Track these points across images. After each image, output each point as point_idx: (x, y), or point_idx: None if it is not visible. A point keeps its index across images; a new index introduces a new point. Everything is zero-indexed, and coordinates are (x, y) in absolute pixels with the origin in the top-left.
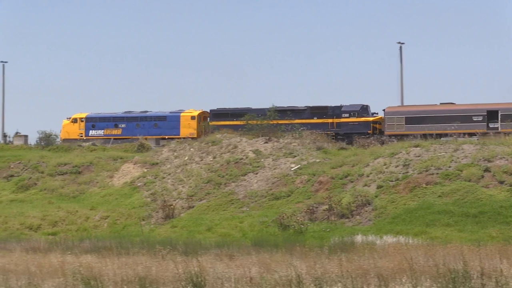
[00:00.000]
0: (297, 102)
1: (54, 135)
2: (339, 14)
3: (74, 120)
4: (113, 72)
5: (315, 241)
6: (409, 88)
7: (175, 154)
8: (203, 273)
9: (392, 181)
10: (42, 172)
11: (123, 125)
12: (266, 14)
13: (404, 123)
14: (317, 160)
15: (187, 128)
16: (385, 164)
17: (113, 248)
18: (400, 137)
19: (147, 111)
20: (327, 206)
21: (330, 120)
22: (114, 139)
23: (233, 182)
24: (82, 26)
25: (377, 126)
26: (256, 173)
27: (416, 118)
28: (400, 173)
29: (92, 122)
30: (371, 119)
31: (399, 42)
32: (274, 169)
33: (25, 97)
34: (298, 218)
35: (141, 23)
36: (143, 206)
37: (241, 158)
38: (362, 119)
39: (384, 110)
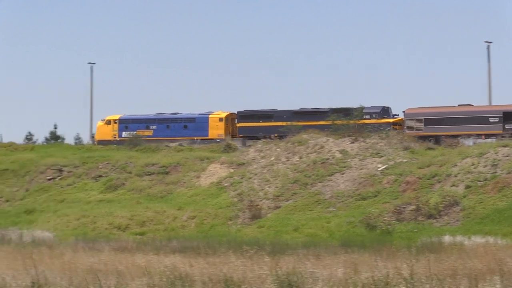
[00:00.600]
0: (318, 104)
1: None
2: (358, 13)
3: (108, 122)
4: (146, 74)
5: (403, 241)
6: (430, 89)
7: (262, 154)
8: (297, 273)
9: (480, 181)
10: (130, 172)
11: (154, 127)
12: (285, 15)
13: (423, 124)
14: (404, 160)
15: (215, 130)
16: (473, 164)
17: (200, 248)
18: (419, 138)
19: (177, 113)
20: (414, 207)
21: (351, 122)
22: (146, 140)
23: (319, 182)
24: (108, 28)
25: (397, 127)
26: (343, 173)
27: (434, 120)
28: (488, 173)
29: (125, 123)
30: (391, 120)
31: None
32: (361, 169)
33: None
34: (385, 218)
35: (168, 27)
36: (230, 206)
37: (328, 158)
38: (383, 120)
39: (404, 111)
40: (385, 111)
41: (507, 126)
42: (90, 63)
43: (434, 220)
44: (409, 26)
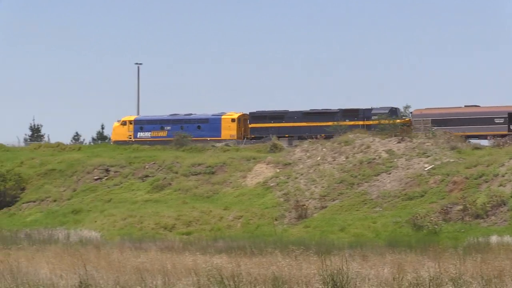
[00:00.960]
0: (327, 105)
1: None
2: (368, 15)
3: (124, 123)
4: (160, 75)
5: (449, 241)
6: (440, 90)
7: (308, 154)
8: (343, 273)
9: None
10: (176, 173)
11: (168, 128)
12: (297, 15)
13: (430, 125)
14: (451, 160)
15: (228, 130)
16: None
17: (246, 248)
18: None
19: (191, 114)
20: (461, 207)
21: (360, 122)
22: (160, 141)
23: (366, 182)
24: (124, 28)
25: (404, 128)
26: (389, 173)
27: (441, 121)
28: None
29: (140, 124)
30: (398, 121)
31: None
32: (407, 169)
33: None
34: (431, 218)
35: (190, 26)
36: (276, 206)
37: (374, 158)
38: (390, 121)
39: (411, 112)
40: (393, 112)
41: None
42: (137, 63)
43: (481, 220)
44: (417, 26)
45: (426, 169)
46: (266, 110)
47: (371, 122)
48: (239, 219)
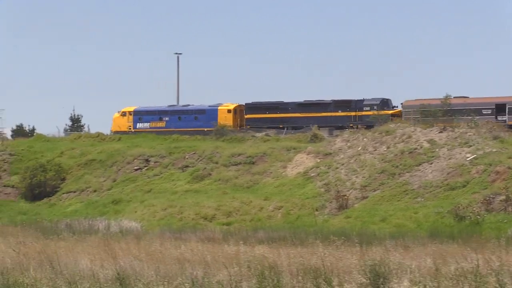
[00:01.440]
0: (322, 96)
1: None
2: (365, 11)
3: (123, 114)
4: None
5: (492, 232)
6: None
7: (348, 144)
8: (384, 263)
9: None
10: (217, 163)
11: (166, 118)
12: (289, 9)
13: (419, 116)
14: (494, 150)
15: (224, 121)
16: None
17: (287, 238)
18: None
19: (188, 105)
20: (504, 197)
21: (352, 113)
22: (158, 131)
23: (407, 172)
24: (123, 21)
25: (396, 119)
26: (431, 163)
27: (430, 112)
28: None
29: (139, 115)
30: (390, 112)
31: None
32: (449, 159)
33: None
34: (474, 209)
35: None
36: (317, 196)
37: (416, 148)
38: (382, 112)
39: (402, 103)
40: (384, 103)
41: (499, 118)
42: (176, 53)
43: None
44: (408, 19)
45: (468, 159)
46: (262, 101)
47: (363, 113)
48: (279, 209)
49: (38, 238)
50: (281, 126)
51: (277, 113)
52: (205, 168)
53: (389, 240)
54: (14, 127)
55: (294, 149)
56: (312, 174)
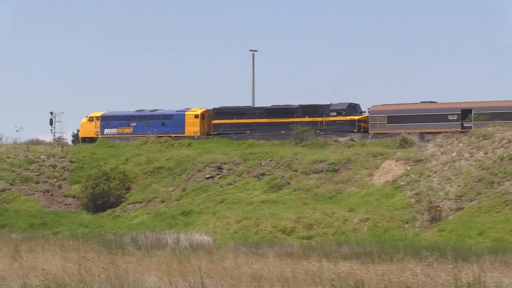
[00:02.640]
0: (291, 102)
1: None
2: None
3: (91, 119)
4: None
5: None
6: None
7: (442, 149)
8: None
9: None
10: (296, 170)
11: (134, 124)
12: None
13: (386, 122)
14: None
15: (191, 127)
16: None
17: (374, 253)
18: (383, 136)
19: (156, 110)
20: None
21: (319, 119)
22: (126, 137)
23: (507, 180)
24: (99, 24)
25: (363, 124)
26: None
27: (397, 117)
28: None
29: (106, 120)
30: (356, 117)
31: None
32: None
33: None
34: None
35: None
36: (407, 207)
37: None
38: (348, 117)
39: (368, 109)
40: (352, 108)
41: (465, 124)
42: (252, 50)
43: None
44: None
45: None
46: (229, 106)
47: (329, 118)
48: (365, 221)
49: (101, 253)
50: (247, 132)
51: (244, 119)
52: (283, 177)
53: (487, 256)
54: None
55: (381, 155)
56: (402, 183)
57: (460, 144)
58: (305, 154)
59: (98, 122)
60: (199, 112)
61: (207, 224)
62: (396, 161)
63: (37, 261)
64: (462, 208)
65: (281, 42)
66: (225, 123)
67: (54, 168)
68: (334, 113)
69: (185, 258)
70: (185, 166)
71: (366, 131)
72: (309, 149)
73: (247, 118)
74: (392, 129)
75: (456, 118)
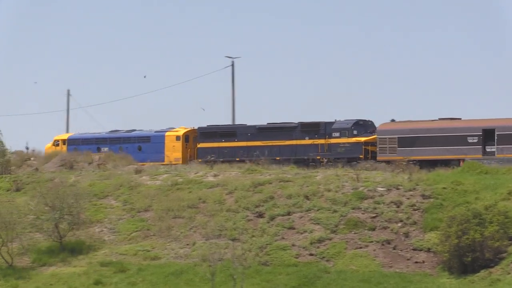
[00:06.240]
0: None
1: None
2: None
3: (56, 143)
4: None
5: None
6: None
7: None
8: None
9: None
10: None
11: (105, 148)
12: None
13: (396, 145)
14: None
15: (172, 152)
16: None
17: None
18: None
19: (133, 130)
20: None
21: (321, 141)
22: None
23: None
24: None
25: (370, 148)
26: None
27: (409, 140)
28: None
29: (74, 144)
30: (363, 139)
31: None
32: None
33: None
34: None
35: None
36: None
37: None
38: (353, 139)
39: (376, 127)
40: (359, 126)
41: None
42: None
43: None
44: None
45: None
46: (216, 124)
47: (331, 141)
48: None
49: None
50: (237, 159)
51: (234, 141)
52: None
53: None
54: None
55: None
56: None
57: None
58: None
59: (65, 147)
60: (181, 132)
61: None
62: None
63: None
64: None
65: (275, 50)
66: (212, 147)
67: (398, 207)
68: (337, 134)
69: None
70: None
71: (375, 156)
72: None
73: (238, 141)
74: (402, 154)
75: (476, 140)
